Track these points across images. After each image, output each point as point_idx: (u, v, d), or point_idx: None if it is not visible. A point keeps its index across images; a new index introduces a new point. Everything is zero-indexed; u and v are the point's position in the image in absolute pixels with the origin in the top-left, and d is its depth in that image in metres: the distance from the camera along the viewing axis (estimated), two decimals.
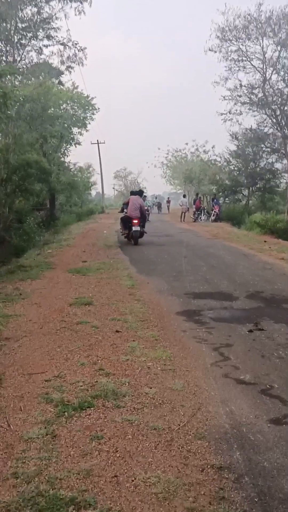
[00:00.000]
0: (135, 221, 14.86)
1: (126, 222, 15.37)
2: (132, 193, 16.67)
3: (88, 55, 24.01)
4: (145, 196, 22.40)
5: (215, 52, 22.10)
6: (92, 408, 3.54)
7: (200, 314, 6.54)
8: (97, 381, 4.03)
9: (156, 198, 51.83)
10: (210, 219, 28.27)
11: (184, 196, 32.14)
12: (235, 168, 32.16)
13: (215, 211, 28.32)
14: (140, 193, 16.76)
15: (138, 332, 5.57)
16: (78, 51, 20.56)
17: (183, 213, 29.88)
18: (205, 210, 29.35)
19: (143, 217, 15.30)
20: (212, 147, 44.01)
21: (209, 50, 22.27)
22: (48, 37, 19.39)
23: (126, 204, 16.13)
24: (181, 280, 9.05)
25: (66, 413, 3.45)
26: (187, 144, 50.64)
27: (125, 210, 16.05)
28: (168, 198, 52.73)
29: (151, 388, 3.91)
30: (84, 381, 4.04)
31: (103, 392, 3.80)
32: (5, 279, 9.32)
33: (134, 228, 14.86)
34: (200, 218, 28.68)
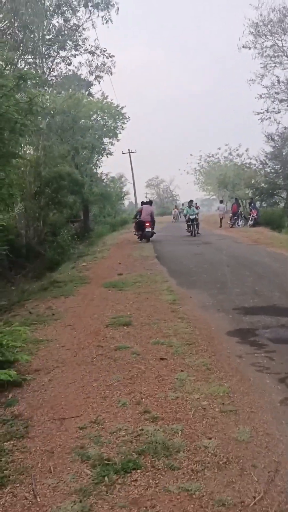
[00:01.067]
0: (147, 224, 19.10)
1: (140, 225, 19.48)
2: (143, 203, 21.12)
3: (116, 65, 23.67)
4: (195, 203, 25.49)
5: (249, 48, 21.24)
6: (138, 471, 2.79)
7: (255, 334, 5.70)
8: (142, 429, 3.29)
9: (183, 205, 48.00)
10: (248, 224, 27.15)
11: (221, 201, 31.17)
12: (272, 170, 30.92)
13: (253, 216, 27.18)
14: (150, 203, 21.36)
15: (186, 359, 4.80)
16: (107, 58, 20.09)
17: (221, 219, 28.95)
18: (243, 215, 28.24)
19: (153, 221, 19.49)
20: (246, 150, 42.91)
21: (243, 47, 21.44)
22: (76, 46, 19.04)
23: (139, 212, 20.18)
24: (226, 292, 8.21)
25: (106, 478, 2.72)
26: (219, 148, 49.31)
27: (138, 217, 20.00)
28: (196, 204, 47.86)
29: (210, 439, 3.13)
30: (126, 429, 3.31)
31: (151, 445, 3.05)
32: (38, 297, 8.76)
33: (146, 230, 19.05)
34: (238, 223, 27.60)
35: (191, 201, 22.82)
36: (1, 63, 6.89)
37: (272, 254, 13.11)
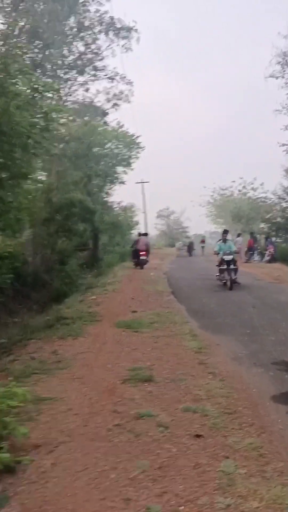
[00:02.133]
0: (143, 253, 21.27)
1: (136, 253, 21.64)
2: (140, 234, 24.93)
3: (133, 94, 23.35)
4: (203, 236, 39.82)
5: (276, 78, 20.70)
6: None
7: None
8: None
9: (186, 237, 46.98)
10: (264, 260, 26.11)
11: (239, 235, 30.18)
12: None
13: (269, 251, 26.17)
14: (146, 234, 25.17)
15: (228, 437, 3.71)
16: (126, 84, 19.60)
17: (237, 253, 27.99)
18: (259, 250, 27.24)
19: (148, 250, 21.99)
20: (261, 184, 42.18)
21: (270, 76, 20.93)
22: (95, 71, 18.62)
23: (135, 242, 22.70)
24: (259, 341, 7.13)
25: None
26: (234, 181, 48.72)
27: (134, 246, 22.33)
28: (203, 238, 43.05)
29: None
30: None
31: None
32: (43, 336, 7.71)
33: (141, 257, 21.19)
34: (254, 258, 26.56)
35: (226, 232, 15.42)
36: (16, 72, 6.21)
37: None
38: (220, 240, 15.17)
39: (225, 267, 13.38)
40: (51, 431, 3.83)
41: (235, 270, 13.57)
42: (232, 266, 13.38)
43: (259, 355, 6.29)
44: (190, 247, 37.80)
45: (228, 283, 13.13)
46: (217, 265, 14.18)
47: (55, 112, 6.56)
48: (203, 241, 40.38)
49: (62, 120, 8.73)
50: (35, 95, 6.24)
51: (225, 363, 5.91)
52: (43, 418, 4.10)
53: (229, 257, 13.40)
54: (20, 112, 5.80)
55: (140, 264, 21.17)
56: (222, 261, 13.58)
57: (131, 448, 3.50)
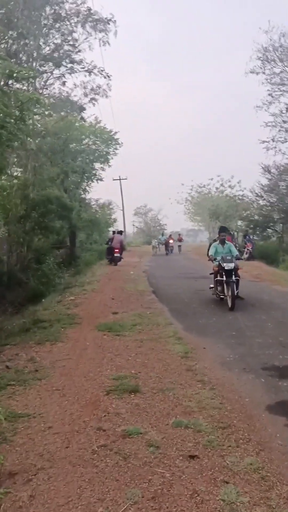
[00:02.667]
0: (117, 250, 22.19)
1: (110, 250, 22.79)
2: (114, 232, 25.34)
3: (111, 91, 22.84)
4: (179, 234, 39.86)
5: (257, 74, 20.43)
6: None
7: None
8: None
9: (162, 235, 41.92)
10: (242, 258, 26.02)
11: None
12: (267, 203, 30.09)
13: (248, 249, 26.12)
14: (120, 232, 25.60)
15: (225, 457, 3.38)
16: (104, 78, 19.09)
17: None
18: (237, 248, 27.13)
19: (122, 248, 23.08)
20: (238, 182, 42.29)
21: (250, 72, 20.66)
22: (72, 64, 18.04)
23: (110, 240, 23.76)
24: (247, 343, 6.84)
25: None
26: (212, 179, 48.67)
27: (109, 243, 23.34)
28: (180, 235, 40.75)
29: None
30: None
31: None
32: (19, 341, 7.25)
33: (115, 254, 22.09)
34: None
35: (224, 230, 11.86)
36: None
37: (283, 294, 11.83)
38: (215, 240, 11.51)
39: (223, 278, 9.80)
40: (29, 455, 3.42)
41: (237, 283, 10.01)
42: (234, 278, 9.71)
43: (248, 359, 5.99)
44: (167, 245, 35.67)
45: (229, 300, 9.51)
46: (211, 274, 10.85)
47: (31, 102, 6.11)
48: (180, 239, 38.79)
49: (38, 114, 8.24)
50: (9, 82, 5.78)
51: (213, 369, 5.59)
52: (19, 439, 3.69)
53: (230, 265, 9.72)
54: None
55: (114, 260, 22.17)
56: (219, 270, 10.00)
57: (120, 474, 3.13)
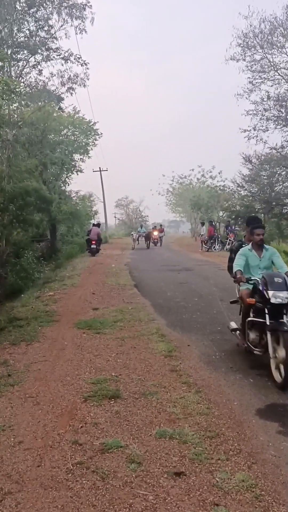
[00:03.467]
0: (93, 242, 22.94)
1: (88, 242, 23.60)
2: (94, 225, 25.94)
3: (89, 85, 22.32)
4: (160, 224, 37.73)
5: (237, 61, 19.94)
6: None
7: None
8: None
9: (141, 227, 37.10)
10: (225, 248, 25.86)
11: (203, 223, 29.84)
12: (248, 193, 29.95)
13: (230, 240, 25.94)
14: (98, 225, 26.04)
15: (215, 473, 3.06)
16: (82, 65, 18.49)
17: (201, 241, 27.79)
18: (219, 239, 26.96)
19: (99, 240, 23.64)
20: (219, 173, 42.08)
21: (231, 59, 20.17)
22: (48, 52, 17.40)
23: (89, 232, 24.88)
24: (233, 338, 6.53)
25: None
26: (192, 170, 48.34)
27: (88, 235, 24.31)
28: (161, 226, 38.26)
29: None
30: None
31: None
32: None
33: (92, 246, 23.00)
34: (214, 247, 26.27)
35: (256, 221, 6.35)
36: None
37: None
38: (241, 243, 6.78)
39: (266, 319, 5.02)
40: None
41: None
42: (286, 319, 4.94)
43: (235, 358, 5.70)
44: (147, 238, 31.63)
45: (281, 370, 4.70)
46: (233, 302, 7.08)
47: (1, 86, 5.63)
48: (161, 230, 35.57)
49: (8, 99, 7.73)
50: None
51: (199, 368, 5.28)
52: None
53: (282, 297, 4.89)
54: None
55: (91, 251, 23.07)
56: (257, 303, 5.25)
57: (97, 498, 2.77)
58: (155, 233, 32.73)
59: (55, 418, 3.96)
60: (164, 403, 4.23)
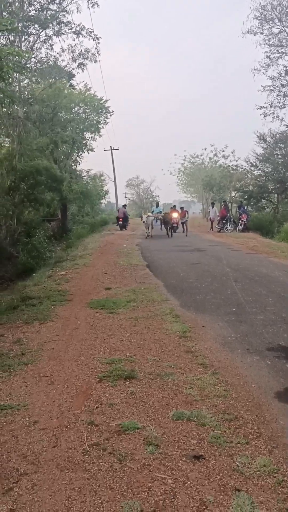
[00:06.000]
0: (121, 219, 27.21)
1: (117, 219, 27.74)
2: (123, 205, 31.78)
3: (100, 61, 21.87)
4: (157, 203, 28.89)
5: (254, 34, 19.33)
6: None
7: None
8: None
9: (157, 205, 27.82)
10: (237, 229, 25.58)
11: (213, 204, 29.43)
12: (262, 173, 29.43)
13: (242, 220, 25.64)
14: (125, 206, 31.21)
15: (235, 457, 2.97)
16: (93, 39, 18.07)
17: (212, 222, 27.47)
18: (232, 219, 26.63)
19: (125, 217, 27.76)
20: (232, 152, 41.46)
21: (248, 32, 19.56)
22: (60, 26, 17.00)
23: (118, 211, 28.72)
24: (248, 320, 6.43)
25: None
26: (205, 149, 47.60)
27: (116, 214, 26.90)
28: (183, 208, 27.03)
29: None
30: None
31: None
32: (5, 321, 6.79)
33: (119, 222, 27.27)
34: (226, 228, 25.98)
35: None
36: None
37: (281, 267, 11.42)
38: None
39: None
40: (11, 457, 2.99)
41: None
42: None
43: (250, 339, 5.59)
44: (167, 223, 24.06)
45: None
46: None
47: (10, 56, 5.43)
48: (183, 214, 25.74)
49: (19, 72, 7.50)
50: None
51: (215, 350, 5.18)
52: (0, 436, 3.26)
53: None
54: None
55: (119, 226, 27.35)
56: None
57: (115, 481, 2.71)
58: (174, 214, 24.72)
59: (70, 398, 3.90)
60: (180, 384, 4.15)
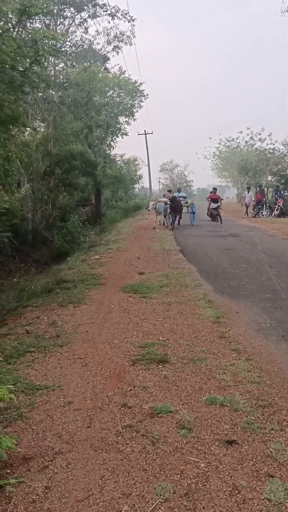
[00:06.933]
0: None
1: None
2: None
3: (136, 43, 21.61)
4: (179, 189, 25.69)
5: None
6: None
7: None
8: None
9: (179, 191, 23.86)
10: (273, 214, 25.06)
11: (248, 188, 28.86)
12: None
13: (278, 205, 25.09)
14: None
15: (268, 443, 2.94)
16: (129, 21, 17.89)
17: (247, 207, 27.00)
18: (267, 204, 26.08)
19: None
20: (269, 135, 40.34)
21: (287, 11, 18.93)
22: (95, 8, 16.90)
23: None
24: (283, 307, 6.31)
25: None
26: (241, 132, 46.64)
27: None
28: (215, 191, 22.91)
29: None
30: None
31: None
32: (41, 303, 6.93)
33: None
34: (262, 213, 25.48)
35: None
36: None
37: None
38: None
39: None
40: (46, 436, 3.07)
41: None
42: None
43: (286, 326, 5.49)
44: (175, 210, 18.92)
45: None
46: None
47: (46, 39, 5.45)
48: (216, 198, 21.97)
49: (55, 55, 7.46)
50: (22, 18, 5.12)
51: (248, 336, 5.12)
52: (36, 415, 3.34)
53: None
54: (2, 38, 4.70)
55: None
56: None
57: (147, 463, 2.73)
58: (214, 201, 21.93)
59: (104, 380, 3.95)
60: (213, 369, 4.13)
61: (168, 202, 18.85)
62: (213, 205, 22.01)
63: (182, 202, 20.38)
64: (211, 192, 23.38)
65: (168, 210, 19.10)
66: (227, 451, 2.85)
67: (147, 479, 2.58)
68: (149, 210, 20.01)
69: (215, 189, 23.11)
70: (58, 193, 20.21)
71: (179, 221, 20.17)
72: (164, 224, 20.02)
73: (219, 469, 2.67)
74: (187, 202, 21.50)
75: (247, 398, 3.57)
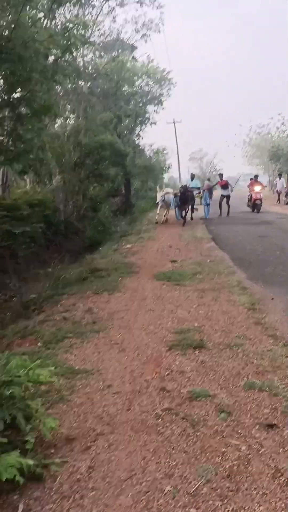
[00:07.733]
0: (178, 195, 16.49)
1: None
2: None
3: (162, 33, 21.37)
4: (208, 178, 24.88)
5: None
6: None
7: None
8: None
9: (209, 179, 22.74)
10: None
11: (280, 175, 28.23)
12: None
13: None
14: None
15: None
16: (157, 8, 17.70)
17: (279, 194, 26.47)
18: None
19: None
20: None
21: None
22: None
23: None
24: None
25: None
26: (272, 118, 45.78)
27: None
28: (256, 178, 21.53)
29: None
30: None
31: None
32: (75, 291, 7.03)
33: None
34: None
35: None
36: None
37: None
38: None
39: None
40: (87, 418, 3.13)
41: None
42: None
43: None
44: (185, 202, 15.97)
45: None
46: None
47: (77, 28, 5.47)
48: (225, 184, 19.13)
49: (85, 42, 7.46)
50: (53, 7, 5.14)
51: (285, 322, 5.05)
52: (76, 398, 3.41)
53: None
54: (35, 26, 4.75)
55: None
56: None
57: (188, 445, 2.75)
58: (257, 188, 19.94)
59: (141, 365, 3.98)
60: (250, 355, 4.10)
61: (178, 194, 16.16)
62: (224, 192, 19.08)
63: (194, 193, 17.25)
64: (251, 179, 21.85)
65: (176, 203, 16.60)
66: (268, 435, 2.84)
67: (188, 460, 2.60)
68: (157, 203, 16.65)
69: (256, 176, 21.40)
70: (89, 184, 20.32)
71: (191, 215, 17.15)
72: (167, 221, 17.15)
73: (260, 452, 2.66)
74: (199, 193, 18.47)
75: (286, 383, 3.53)
